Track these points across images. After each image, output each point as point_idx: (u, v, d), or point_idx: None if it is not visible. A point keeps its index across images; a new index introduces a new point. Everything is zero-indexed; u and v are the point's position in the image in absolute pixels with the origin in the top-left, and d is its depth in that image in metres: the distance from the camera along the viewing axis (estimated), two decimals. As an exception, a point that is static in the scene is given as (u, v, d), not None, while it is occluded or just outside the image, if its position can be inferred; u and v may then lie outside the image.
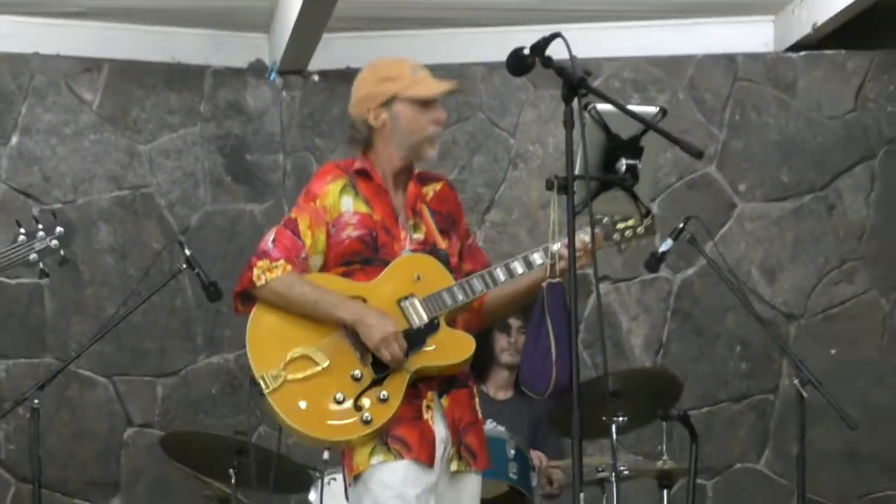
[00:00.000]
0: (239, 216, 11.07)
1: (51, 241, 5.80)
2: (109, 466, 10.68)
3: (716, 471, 10.41)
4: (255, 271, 5.46)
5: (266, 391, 5.33)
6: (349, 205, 5.56)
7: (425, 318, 5.40)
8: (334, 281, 5.54)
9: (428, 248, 5.59)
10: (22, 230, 5.87)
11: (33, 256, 5.74)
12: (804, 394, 8.45)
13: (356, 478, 5.44)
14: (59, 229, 5.84)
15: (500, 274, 5.51)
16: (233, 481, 8.10)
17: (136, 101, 11.03)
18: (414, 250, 5.60)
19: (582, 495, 5.25)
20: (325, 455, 5.73)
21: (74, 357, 9.39)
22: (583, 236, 5.19)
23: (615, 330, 10.60)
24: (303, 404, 5.36)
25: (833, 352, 10.68)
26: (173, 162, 11.02)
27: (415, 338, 5.41)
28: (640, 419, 8.31)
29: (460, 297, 5.41)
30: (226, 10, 10.92)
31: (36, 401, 8.36)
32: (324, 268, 5.60)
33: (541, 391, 5.14)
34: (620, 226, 5.74)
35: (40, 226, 5.82)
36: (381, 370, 5.40)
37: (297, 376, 5.36)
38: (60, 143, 10.84)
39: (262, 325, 5.55)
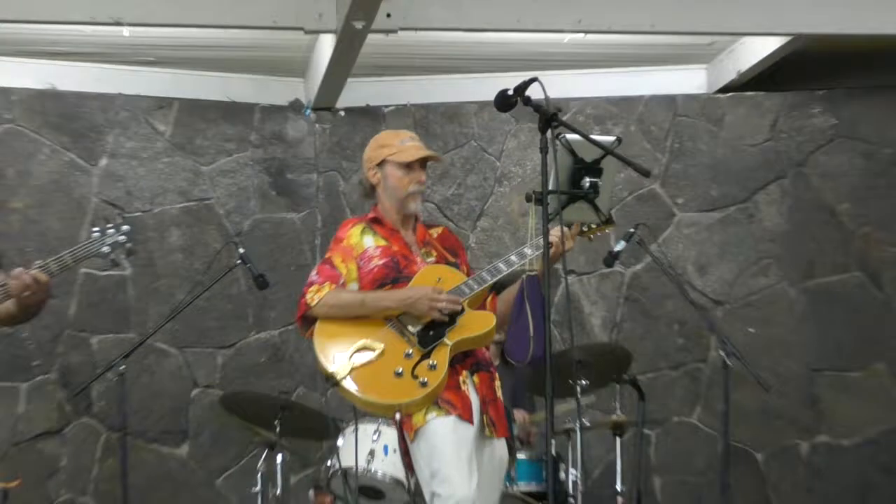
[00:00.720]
0: (281, 223, 11.23)
1: (119, 236, 5.74)
2: (179, 419, 10.82)
3: (658, 422, 10.54)
4: (308, 296, 5.76)
5: (339, 380, 5.63)
6: (371, 241, 5.91)
7: (469, 292, 5.64)
8: (375, 292, 5.76)
9: (448, 262, 5.86)
10: (95, 228, 5.84)
11: (105, 249, 5.68)
12: (728, 363, 8.72)
13: (416, 433, 5.68)
14: (125, 227, 5.79)
15: (502, 265, 5.74)
16: (277, 430, 8.14)
17: (199, 131, 11.15)
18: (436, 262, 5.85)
19: (553, 441, 5.60)
20: (397, 416, 5.83)
21: (152, 333, 9.47)
22: (559, 229, 5.46)
23: (579, 312, 10.74)
24: (372, 382, 5.62)
25: (751, 330, 10.84)
26: (229, 180, 11.17)
27: (449, 320, 5.63)
28: (598, 383, 8.39)
29: (475, 286, 5.68)
30: (270, 59, 11.06)
31: (122, 367, 8.57)
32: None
33: (521, 360, 5.32)
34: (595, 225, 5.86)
35: (109, 224, 5.79)
36: (426, 346, 5.65)
37: (362, 362, 5.62)
38: (140, 164, 10.94)
39: (324, 335, 5.80)
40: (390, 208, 5.97)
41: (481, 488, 5.65)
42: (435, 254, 5.99)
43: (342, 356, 5.66)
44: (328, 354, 5.71)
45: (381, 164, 5.94)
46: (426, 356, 5.60)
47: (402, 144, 5.95)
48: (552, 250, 5.39)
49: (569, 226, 5.80)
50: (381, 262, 5.80)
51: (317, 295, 5.72)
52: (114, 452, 9.94)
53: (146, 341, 9.59)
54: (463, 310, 5.67)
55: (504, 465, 5.99)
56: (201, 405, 10.78)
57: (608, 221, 5.90)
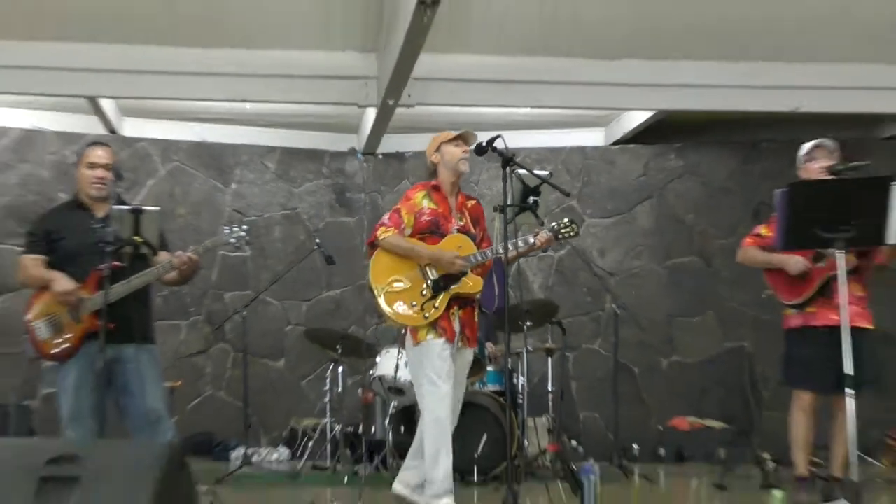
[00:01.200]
0: (343, 224, 11.29)
1: (241, 232, 5.66)
2: (277, 344, 10.90)
3: (574, 348, 10.39)
4: (379, 232, 5.65)
5: (377, 296, 5.61)
6: (426, 203, 5.71)
7: (464, 266, 5.49)
8: (419, 243, 5.60)
9: (465, 230, 5.73)
10: (226, 227, 5.76)
11: (233, 240, 5.63)
12: (617, 312, 8.88)
13: (418, 343, 5.59)
14: (245, 227, 5.72)
15: (500, 248, 5.51)
16: (339, 352, 8.41)
17: (292, 167, 11.24)
18: (458, 230, 5.70)
19: (509, 359, 5.76)
20: (404, 330, 5.74)
21: (262, 291, 9.63)
22: (543, 234, 5.67)
23: (525, 280, 10.56)
24: (395, 305, 5.59)
25: (633, 292, 10.71)
26: (310, 197, 11.25)
27: (457, 277, 5.57)
28: (537, 324, 8.48)
29: (480, 259, 5.56)
30: (336, 122, 11.02)
31: (244, 312, 8.69)
32: (411, 234, 5.64)
33: (490, 310, 5.46)
34: (563, 231, 5.72)
35: (235, 225, 5.74)
36: (436, 291, 5.56)
37: (393, 290, 5.59)
38: (255, 187, 11.06)
39: (378, 261, 5.66)
40: (447, 178, 5.83)
41: (455, 380, 5.65)
42: (464, 220, 5.83)
43: (383, 280, 5.61)
44: (375, 274, 5.66)
45: (438, 148, 5.83)
46: (433, 298, 5.55)
47: (449, 133, 5.86)
48: (533, 247, 5.73)
49: (556, 234, 5.75)
50: (428, 218, 5.68)
51: (385, 234, 5.65)
52: (238, 365, 10.13)
53: (259, 296, 9.78)
54: (467, 272, 5.60)
55: (468, 365, 5.92)
56: (292, 336, 10.88)
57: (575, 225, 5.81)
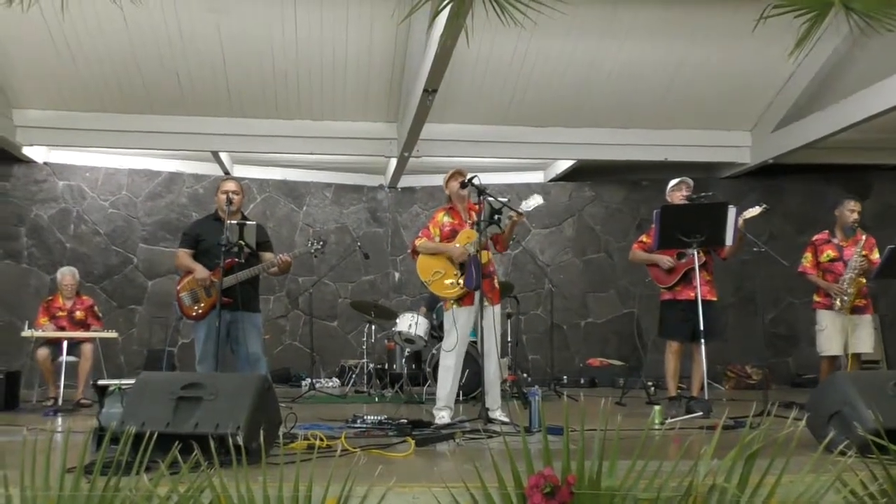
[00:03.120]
0: (375, 234, 11.11)
1: (318, 244, 5.68)
2: (332, 310, 10.79)
3: (524, 313, 10.13)
4: (417, 241, 5.47)
5: (428, 284, 5.41)
6: (447, 219, 5.48)
7: (472, 250, 5.22)
8: (440, 244, 5.39)
9: (473, 225, 5.41)
10: (309, 240, 5.76)
11: (313, 250, 5.63)
12: (553, 289, 8.85)
13: (451, 309, 5.32)
14: (321, 240, 5.76)
15: (486, 239, 5.36)
16: (372, 315, 8.26)
17: (343, 196, 11.08)
18: (470, 225, 5.44)
19: (480, 320, 5.62)
20: (446, 301, 5.48)
21: (323, 276, 9.70)
22: (506, 220, 5.40)
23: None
24: (437, 285, 5.34)
25: (561, 277, 10.61)
26: (354, 216, 11.08)
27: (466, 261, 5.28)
28: (501, 296, 8.52)
29: (472, 248, 5.23)
30: (371, 167, 10.95)
31: (311, 290, 8.66)
32: (440, 240, 5.40)
33: (470, 287, 5.39)
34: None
35: (316, 239, 5.73)
36: (462, 273, 5.29)
37: (436, 279, 5.35)
38: (318, 210, 10.91)
39: (421, 263, 5.43)
40: (456, 201, 5.57)
41: (487, 332, 5.27)
42: (471, 218, 5.49)
43: (428, 274, 5.35)
44: (423, 272, 5.40)
45: (447, 184, 5.60)
46: (461, 276, 5.29)
47: (450, 171, 5.63)
48: (516, 222, 5.44)
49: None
50: (449, 229, 5.45)
51: (419, 242, 5.46)
52: (307, 324, 9.97)
53: (320, 280, 9.81)
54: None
55: (498, 317, 5.49)
56: (342, 306, 10.71)
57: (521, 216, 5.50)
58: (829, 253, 6.39)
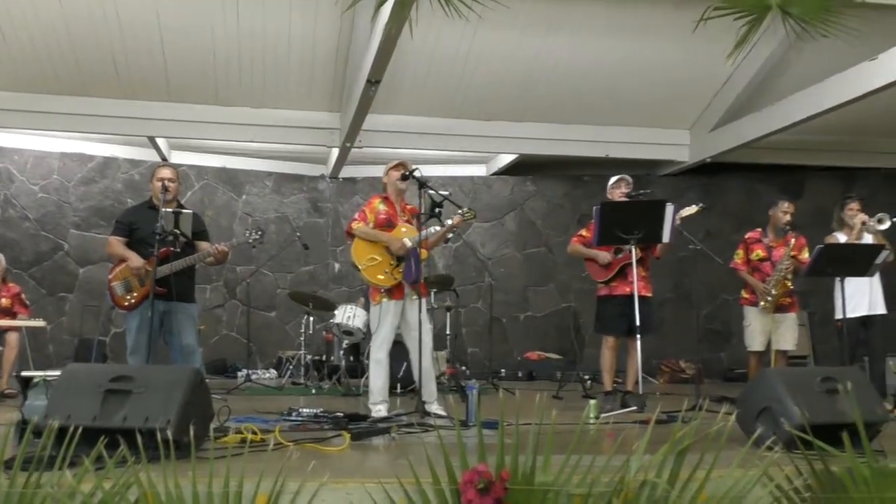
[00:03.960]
0: (315, 224, 11.02)
1: (256, 234, 5.70)
2: (271, 301, 10.65)
3: (464, 305, 10.21)
4: (353, 224, 5.35)
5: (361, 269, 5.28)
6: (382, 207, 5.40)
7: (409, 244, 5.18)
8: (379, 232, 5.28)
9: (408, 223, 5.41)
10: (247, 230, 5.78)
11: (251, 240, 5.67)
12: (492, 282, 8.89)
13: (379, 303, 5.26)
14: (259, 230, 5.78)
15: (432, 230, 5.34)
16: (310, 306, 8.18)
17: (284, 185, 10.97)
18: (404, 222, 5.42)
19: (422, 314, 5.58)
20: (362, 296, 5.58)
21: (261, 266, 9.57)
22: (456, 217, 5.37)
23: (433, 262, 10.34)
24: (375, 274, 5.22)
25: (502, 270, 10.72)
26: (295, 205, 11.00)
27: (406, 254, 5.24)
28: (440, 290, 8.32)
29: (414, 242, 5.18)
30: (312, 157, 10.86)
31: (248, 280, 8.53)
32: (373, 227, 5.33)
33: (409, 281, 5.34)
34: (467, 216, 5.41)
35: (253, 229, 5.76)
36: (399, 262, 5.22)
37: (370, 265, 5.23)
38: (259, 199, 10.79)
39: (357, 247, 5.34)
40: (392, 191, 5.48)
41: (414, 321, 5.22)
42: (406, 217, 5.47)
43: (363, 258, 5.24)
44: (358, 256, 5.28)
45: (387, 173, 5.50)
46: (398, 266, 5.22)
47: (393, 161, 5.54)
48: (452, 228, 5.42)
49: (463, 216, 5.44)
50: (383, 217, 5.35)
51: (356, 225, 5.35)
52: (245, 314, 9.86)
53: (258, 269, 9.69)
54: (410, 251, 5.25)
55: (425, 307, 5.36)
56: (280, 296, 10.61)
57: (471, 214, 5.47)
58: (759, 252, 6.53)
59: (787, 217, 6.41)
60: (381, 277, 5.28)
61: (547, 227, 11.06)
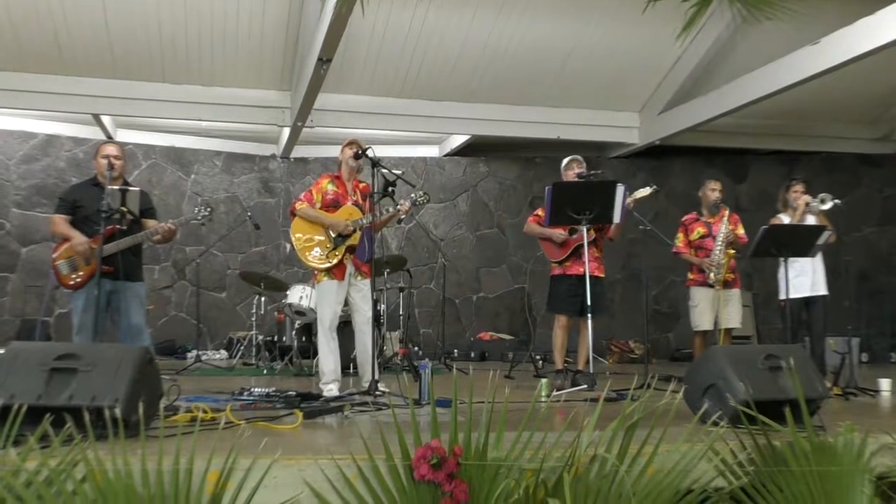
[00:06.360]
0: (266, 204, 10.84)
1: (205, 211, 5.58)
2: (221, 281, 10.55)
3: (417, 287, 10.21)
4: (297, 204, 5.35)
5: (297, 248, 5.29)
6: (330, 187, 5.39)
7: (352, 228, 5.18)
8: (322, 213, 5.27)
9: (357, 203, 5.39)
10: (196, 207, 5.72)
11: (199, 217, 5.55)
12: (445, 263, 8.87)
13: (320, 283, 5.31)
14: (209, 208, 5.63)
15: (378, 214, 5.27)
16: (262, 287, 8.11)
17: (234, 165, 10.85)
18: (353, 203, 5.37)
19: (375, 293, 5.61)
20: (314, 274, 5.57)
21: (211, 246, 9.42)
22: (405, 204, 5.35)
23: (386, 242, 10.36)
24: (309, 254, 5.25)
25: (455, 251, 10.64)
26: (246, 185, 10.80)
27: (349, 235, 5.22)
28: (393, 270, 8.17)
29: (364, 221, 5.22)
30: (263, 136, 10.71)
31: (197, 261, 8.37)
32: (320, 207, 5.32)
33: (363, 260, 5.32)
34: (420, 199, 5.46)
35: (202, 207, 5.61)
36: (335, 246, 5.22)
37: (308, 244, 5.26)
38: (208, 178, 10.66)
39: (297, 225, 5.34)
40: (345, 169, 5.45)
41: (361, 303, 5.31)
42: (356, 196, 5.44)
43: (300, 238, 5.26)
44: (295, 233, 5.30)
45: (342, 151, 5.44)
46: (334, 249, 5.21)
47: (347, 139, 5.49)
48: (398, 213, 5.38)
49: (414, 202, 5.45)
50: (331, 197, 5.34)
51: (300, 206, 5.33)
52: (194, 295, 9.72)
53: (208, 250, 9.57)
54: (356, 230, 5.26)
55: (369, 289, 5.33)
56: (231, 277, 10.47)
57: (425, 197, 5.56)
58: (700, 230, 6.66)
59: (716, 194, 6.62)
60: (316, 259, 5.30)
61: (499, 208, 11.10)
